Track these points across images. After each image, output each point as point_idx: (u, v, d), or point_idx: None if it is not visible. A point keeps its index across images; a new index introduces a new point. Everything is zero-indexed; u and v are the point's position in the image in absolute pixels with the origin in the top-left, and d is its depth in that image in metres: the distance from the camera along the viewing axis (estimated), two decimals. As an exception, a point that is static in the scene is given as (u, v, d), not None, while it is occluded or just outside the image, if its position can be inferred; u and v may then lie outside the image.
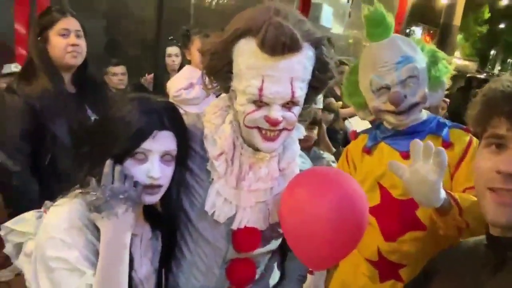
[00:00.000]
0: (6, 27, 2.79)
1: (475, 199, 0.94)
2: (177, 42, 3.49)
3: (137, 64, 4.51)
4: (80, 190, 0.96)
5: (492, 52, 27.04)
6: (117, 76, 3.49)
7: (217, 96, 1.19)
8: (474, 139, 1.29)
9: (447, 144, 1.30)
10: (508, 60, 28.17)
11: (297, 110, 1.01)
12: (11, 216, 1.75)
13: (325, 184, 1.04)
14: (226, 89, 1.06)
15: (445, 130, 1.33)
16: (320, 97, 2.49)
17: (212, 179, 1.08)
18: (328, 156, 2.41)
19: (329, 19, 9.94)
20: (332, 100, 3.71)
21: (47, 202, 1.04)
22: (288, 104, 0.98)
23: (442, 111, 3.16)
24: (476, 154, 0.86)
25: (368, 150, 1.44)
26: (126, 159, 0.94)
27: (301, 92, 0.99)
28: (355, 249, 1.12)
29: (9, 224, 1.05)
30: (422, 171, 1.01)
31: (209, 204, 1.07)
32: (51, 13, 1.79)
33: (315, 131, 2.42)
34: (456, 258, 0.93)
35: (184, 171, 1.09)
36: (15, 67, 3.09)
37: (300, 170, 1.17)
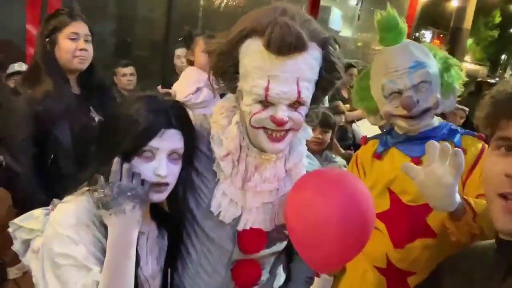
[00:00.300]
0: (18, 28, 2.82)
1: None
2: (186, 44, 3.50)
3: (146, 66, 4.53)
4: (87, 188, 0.97)
5: (503, 56, 26.79)
6: (126, 76, 3.51)
7: (221, 96, 1.19)
8: (487, 146, 1.28)
9: None
10: (519, 64, 27.88)
11: (303, 110, 1.00)
12: (19, 216, 1.78)
13: (332, 185, 1.02)
14: (233, 89, 1.06)
15: (457, 137, 1.32)
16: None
17: (218, 179, 1.08)
18: (340, 160, 2.41)
19: (338, 22, 9.93)
20: (340, 103, 3.71)
21: (54, 200, 1.05)
22: (295, 105, 0.98)
23: (461, 120, 3.05)
24: (485, 157, 0.85)
25: (378, 156, 1.43)
26: (133, 157, 0.95)
27: (307, 92, 0.98)
28: (363, 255, 1.11)
29: (17, 221, 1.06)
30: (438, 173, 0.99)
31: (215, 205, 1.08)
32: (61, 16, 1.80)
33: (328, 135, 2.41)
34: (465, 264, 0.92)
35: (190, 170, 1.09)
36: (18, 66, 3.12)
37: (307, 171, 1.16)
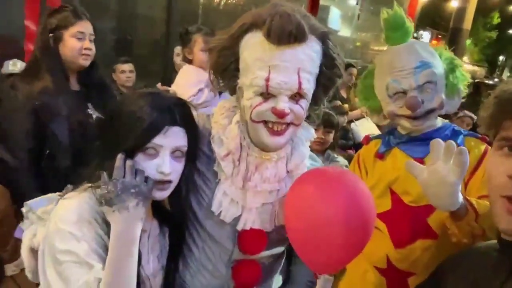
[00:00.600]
0: (16, 24, 2.80)
1: None
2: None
3: (146, 64, 4.52)
4: (89, 184, 0.96)
5: (501, 58, 26.87)
6: (125, 73, 3.49)
7: (220, 94, 1.18)
8: (490, 148, 1.27)
9: None
10: (517, 66, 27.97)
11: (304, 104, 1.00)
12: (17, 212, 1.78)
13: (333, 183, 1.01)
14: (233, 88, 1.06)
15: (460, 138, 1.32)
16: None
17: (219, 179, 1.08)
18: (341, 160, 2.41)
19: (336, 21, 9.92)
20: (339, 102, 3.72)
21: (69, 186, 1.03)
22: (296, 97, 0.98)
23: (467, 127, 3.04)
24: (488, 158, 0.85)
25: (381, 156, 1.43)
26: (137, 154, 0.95)
27: (308, 85, 0.98)
28: (363, 255, 1.11)
29: (32, 202, 1.06)
30: (441, 171, 0.98)
31: (215, 204, 1.07)
32: (66, 13, 1.81)
33: (331, 135, 2.42)
34: (467, 264, 0.91)
35: (193, 169, 1.08)
36: (12, 65, 3.08)
37: None
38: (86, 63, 1.85)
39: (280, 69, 0.94)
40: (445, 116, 1.45)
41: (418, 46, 1.33)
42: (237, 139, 1.06)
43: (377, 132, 3.16)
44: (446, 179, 0.98)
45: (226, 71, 1.04)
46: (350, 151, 3.16)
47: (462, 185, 1.26)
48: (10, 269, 2.59)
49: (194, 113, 1.09)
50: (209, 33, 2.35)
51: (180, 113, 0.99)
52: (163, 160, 0.95)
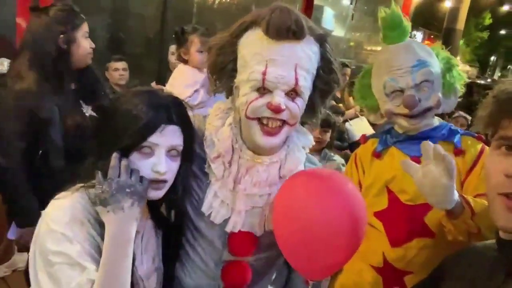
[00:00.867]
0: (8, 21, 2.76)
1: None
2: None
3: (140, 62, 4.49)
4: (81, 184, 0.94)
5: (492, 58, 27.17)
6: (118, 71, 3.47)
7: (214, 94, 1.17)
8: (486, 148, 1.28)
9: (459, 151, 1.29)
10: (508, 66, 28.32)
11: (300, 103, 0.98)
12: (8, 212, 1.75)
13: (323, 185, 0.99)
14: (229, 89, 1.05)
15: (457, 137, 1.32)
16: None
17: (210, 181, 1.07)
18: (338, 159, 2.41)
19: (330, 21, 9.96)
20: (333, 102, 3.72)
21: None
22: (292, 94, 0.97)
23: (462, 128, 3.08)
24: (487, 156, 0.85)
25: (378, 154, 1.43)
26: (132, 152, 0.93)
27: (305, 82, 0.97)
28: (359, 254, 1.09)
29: None
30: (434, 173, 1.02)
31: (206, 205, 1.07)
32: (71, 13, 1.79)
33: (328, 134, 2.42)
34: (465, 263, 0.91)
35: (189, 168, 1.07)
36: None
37: None
38: (91, 61, 1.88)
39: (278, 63, 0.94)
40: (440, 116, 1.45)
41: (415, 45, 1.34)
42: (229, 141, 1.05)
43: (371, 131, 3.17)
44: (439, 180, 1.01)
45: (223, 70, 1.03)
46: (346, 150, 3.17)
47: (459, 184, 1.26)
48: (1, 271, 2.56)
49: (190, 113, 1.07)
50: (205, 33, 2.34)
51: (176, 111, 0.98)
52: (159, 159, 0.94)
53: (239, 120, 1.05)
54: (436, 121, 1.39)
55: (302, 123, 1.13)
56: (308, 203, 0.95)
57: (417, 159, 1.32)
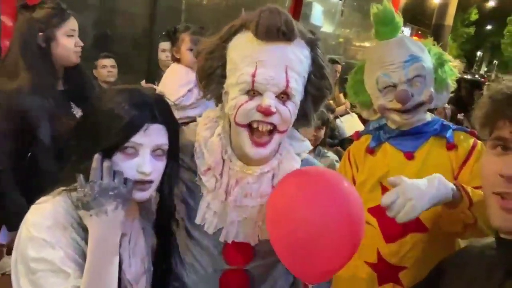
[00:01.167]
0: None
1: None
2: (171, 38, 3.43)
3: (129, 60, 4.44)
4: (63, 188, 0.91)
5: (479, 53, 27.53)
6: (106, 68, 3.43)
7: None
8: (479, 142, 1.30)
9: (451, 146, 1.30)
10: (494, 61, 28.75)
11: (292, 107, 0.96)
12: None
13: (318, 184, 0.96)
14: (218, 96, 1.03)
15: (449, 132, 1.33)
16: None
17: (202, 193, 1.06)
18: (332, 155, 2.41)
19: (319, 17, 9.96)
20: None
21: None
22: (283, 97, 0.94)
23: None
24: (483, 156, 0.86)
25: (371, 151, 1.43)
26: (115, 153, 0.89)
27: (296, 85, 0.94)
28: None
29: None
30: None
31: (199, 216, 1.06)
32: (53, 10, 1.75)
33: (322, 131, 2.42)
34: (464, 263, 0.92)
35: (175, 167, 1.04)
36: None
37: None
38: (78, 60, 1.83)
39: (267, 64, 0.92)
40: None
41: (407, 40, 1.34)
42: (218, 153, 1.03)
43: (361, 128, 3.19)
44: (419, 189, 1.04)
45: (212, 76, 1.01)
46: (337, 147, 3.18)
47: (452, 178, 1.27)
48: (-10, 274, 2.51)
49: (183, 123, 1.07)
50: (197, 32, 2.32)
51: (160, 109, 0.94)
52: (144, 159, 0.90)
53: (229, 129, 1.03)
54: (429, 116, 1.39)
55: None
56: (302, 203, 0.92)
57: (410, 155, 1.33)
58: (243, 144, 0.97)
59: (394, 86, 1.31)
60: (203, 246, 1.10)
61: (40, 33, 1.70)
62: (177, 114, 2.32)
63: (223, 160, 1.03)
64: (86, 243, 0.86)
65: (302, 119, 1.04)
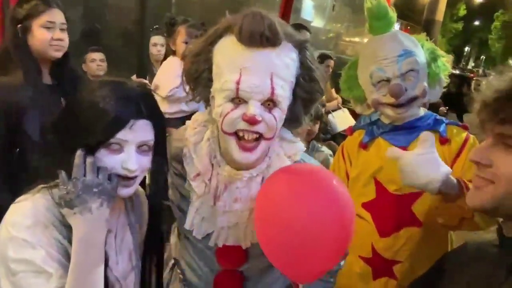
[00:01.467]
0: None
1: None
2: (162, 31, 3.39)
3: (119, 54, 4.38)
4: (43, 185, 0.87)
5: (466, 48, 27.82)
6: (95, 62, 3.37)
7: None
8: (471, 136, 1.31)
9: (444, 140, 1.31)
10: (482, 56, 29.11)
11: (278, 114, 0.93)
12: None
13: (307, 182, 0.93)
14: (207, 99, 1.02)
15: (442, 126, 1.34)
16: None
17: (191, 199, 1.06)
18: (326, 150, 2.41)
19: (310, 12, 9.94)
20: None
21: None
22: (269, 105, 0.91)
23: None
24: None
25: (364, 145, 1.44)
26: (99, 149, 0.85)
27: (282, 91, 0.91)
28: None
29: None
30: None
31: (188, 221, 1.05)
32: (35, 2, 1.69)
33: (317, 126, 2.42)
34: (465, 260, 0.90)
35: (162, 163, 1.02)
36: None
37: None
38: (58, 54, 1.74)
39: (252, 71, 0.88)
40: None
41: (401, 35, 1.34)
42: (207, 158, 1.02)
43: (353, 123, 3.21)
44: (424, 156, 1.08)
45: (199, 79, 0.99)
46: (330, 141, 3.19)
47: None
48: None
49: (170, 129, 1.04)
50: (195, 25, 2.30)
51: (146, 104, 0.90)
52: (129, 155, 0.87)
53: (218, 133, 1.02)
54: (422, 111, 1.40)
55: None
56: (291, 202, 0.89)
57: (403, 149, 1.33)
58: (231, 150, 0.95)
59: (388, 80, 1.31)
60: (197, 247, 1.10)
61: (19, 25, 1.66)
62: (171, 108, 2.32)
63: (212, 165, 1.02)
64: (70, 242, 0.84)
65: (293, 121, 1.02)
